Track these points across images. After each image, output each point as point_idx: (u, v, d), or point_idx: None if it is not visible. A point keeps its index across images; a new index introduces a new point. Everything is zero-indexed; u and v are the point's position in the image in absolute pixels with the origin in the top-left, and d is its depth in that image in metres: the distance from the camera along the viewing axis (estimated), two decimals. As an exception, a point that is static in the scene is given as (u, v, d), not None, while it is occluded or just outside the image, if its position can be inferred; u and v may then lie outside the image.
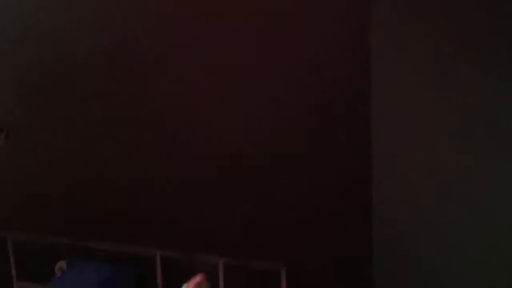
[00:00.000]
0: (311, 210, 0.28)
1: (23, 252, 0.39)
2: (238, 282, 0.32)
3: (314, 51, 0.26)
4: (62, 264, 0.37)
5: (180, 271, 0.33)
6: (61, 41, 0.31)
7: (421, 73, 0.25)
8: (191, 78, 0.29)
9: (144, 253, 0.34)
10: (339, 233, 0.27)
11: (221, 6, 0.28)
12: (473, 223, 0.25)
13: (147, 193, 0.32)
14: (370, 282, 0.27)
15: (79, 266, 0.35)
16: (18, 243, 0.39)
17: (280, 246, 0.29)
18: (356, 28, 0.25)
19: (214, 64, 0.28)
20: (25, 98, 0.33)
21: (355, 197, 0.27)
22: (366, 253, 0.27)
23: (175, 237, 0.32)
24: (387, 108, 0.25)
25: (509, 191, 0.24)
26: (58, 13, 0.31)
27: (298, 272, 0.30)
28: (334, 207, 0.27)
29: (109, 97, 0.31)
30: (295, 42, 0.26)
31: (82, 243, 0.36)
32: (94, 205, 0.33)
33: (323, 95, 0.26)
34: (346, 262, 0.28)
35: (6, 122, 0.34)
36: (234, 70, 0.28)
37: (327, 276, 0.28)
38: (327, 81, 0.26)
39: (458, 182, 0.25)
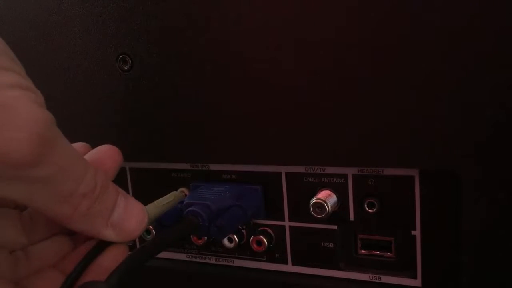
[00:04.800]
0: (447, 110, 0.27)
1: (141, 180, 0.40)
2: (368, 191, 0.33)
3: None
4: (183, 190, 0.38)
5: (306, 186, 0.34)
6: None
7: None
8: None
9: (269, 171, 0.35)
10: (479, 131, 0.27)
11: None
12: None
13: (269, 116, 0.32)
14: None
15: (205, 186, 0.36)
16: (136, 172, 0.40)
17: (414, 151, 0.29)
18: None
19: None
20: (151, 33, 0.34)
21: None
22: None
23: (300, 154, 0.32)
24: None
25: None
26: None
27: (432, 176, 0.31)
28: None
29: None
30: None
31: (204, 168, 0.37)
32: (216, 131, 0.34)
33: None
34: (487, 163, 0.27)
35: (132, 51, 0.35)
36: None
37: (465, 178, 0.28)
38: None
39: None
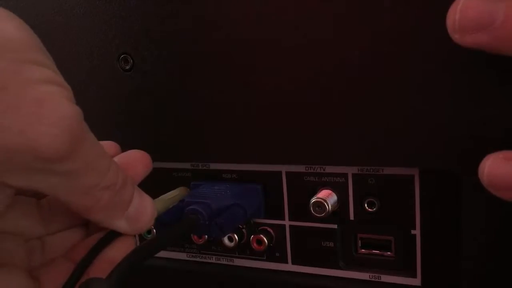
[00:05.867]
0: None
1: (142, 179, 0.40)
2: (368, 191, 0.33)
3: None
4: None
5: (306, 185, 0.34)
6: None
7: None
8: None
9: (270, 170, 0.35)
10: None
11: None
12: None
13: (269, 115, 0.32)
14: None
15: (205, 185, 0.36)
16: None
17: (414, 151, 0.29)
18: None
19: None
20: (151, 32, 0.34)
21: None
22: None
23: (300, 153, 0.32)
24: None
25: None
26: None
27: (432, 176, 0.31)
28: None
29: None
30: None
31: (204, 167, 0.38)
32: (216, 130, 0.34)
33: None
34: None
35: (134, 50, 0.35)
36: None
37: (465, 178, 0.28)
38: None
39: None
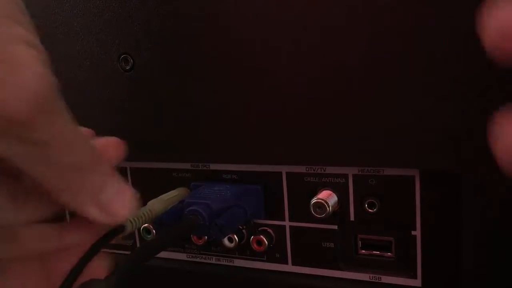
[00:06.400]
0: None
1: (142, 180, 0.40)
2: (368, 191, 0.33)
3: None
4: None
5: (307, 186, 0.34)
6: None
7: None
8: None
9: (270, 170, 0.35)
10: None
11: None
12: None
13: (269, 115, 0.32)
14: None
15: (206, 186, 0.36)
16: (137, 172, 0.40)
17: (414, 151, 0.29)
18: None
19: None
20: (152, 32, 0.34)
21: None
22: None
23: (300, 154, 0.32)
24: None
25: None
26: None
27: (432, 176, 0.31)
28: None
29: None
30: None
31: (204, 168, 0.37)
32: (217, 131, 0.34)
33: None
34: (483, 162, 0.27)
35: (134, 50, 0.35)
36: None
37: (465, 178, 0.28)
38: None
39: None
